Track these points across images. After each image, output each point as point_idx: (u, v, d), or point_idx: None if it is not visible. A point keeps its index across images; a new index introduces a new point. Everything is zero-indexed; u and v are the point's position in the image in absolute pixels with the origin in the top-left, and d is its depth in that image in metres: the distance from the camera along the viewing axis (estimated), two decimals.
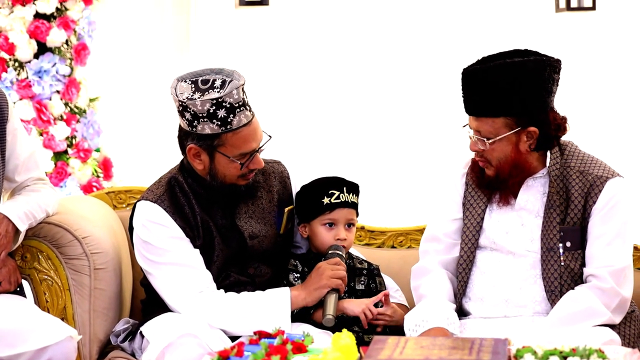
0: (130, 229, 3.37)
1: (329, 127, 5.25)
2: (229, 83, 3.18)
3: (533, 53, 3.17)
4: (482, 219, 3.29)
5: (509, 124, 3.14)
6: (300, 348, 2.66)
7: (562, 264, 3.19)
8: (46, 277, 3.39)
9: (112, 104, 5.27)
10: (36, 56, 4.95)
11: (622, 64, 5.09)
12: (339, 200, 3.39)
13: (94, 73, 5.19)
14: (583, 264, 3.20)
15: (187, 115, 3.21)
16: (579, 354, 2.54)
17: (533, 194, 3.25)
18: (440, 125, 5.06)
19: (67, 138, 5.03)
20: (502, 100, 3.11)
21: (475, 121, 3.18)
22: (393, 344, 2.58)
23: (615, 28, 5.08)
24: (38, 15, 4.95)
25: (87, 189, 5.02)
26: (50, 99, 4.99)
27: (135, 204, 3.37)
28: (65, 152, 5.04)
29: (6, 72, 4.94)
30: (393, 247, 3.83)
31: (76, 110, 5.07)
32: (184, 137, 3.29)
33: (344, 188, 3.41)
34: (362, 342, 3.14)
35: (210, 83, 3.19)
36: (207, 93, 3.17)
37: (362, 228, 3.84)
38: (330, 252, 3.36)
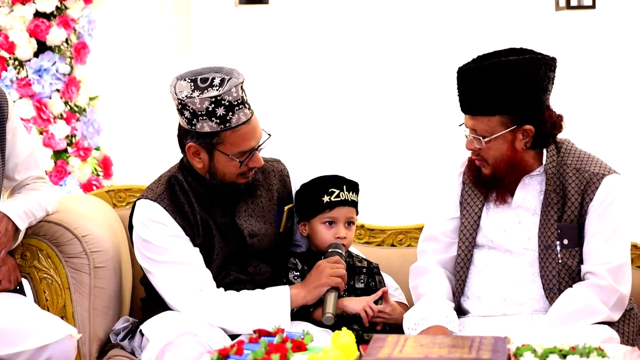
0: (130, 228, 3.37)
1: (329, 126, 5.26)
2: (227, 81, 3.18)
3: (528, 51, 3.17)
4: (479, 217, 3.30)
5: (505, 123, 3.15)
6: (300, 346, 2.66)
7: (560, 261, 3.19)
8: (46, 275, 3.39)
9: (112, 102, 5.28)
10: (36, 55, 4.95)
11: (622, 62, 5.09)
12: (339, 199, 3.39)
13: (93, 72, 5.19)
14: (581, 261, 3.21)
15: (186, 113, 3.21)
16: (578, 352, 2.54)
17: (530, 192, 3.25)
18: (442, 123, 5.06)
19: (67, 137, 5.03)
20: (497, 99, 3.12)
21: (471, 120, 3.19)
22: (393, 343, 2.58)
23: (615, 26, 5.08)
24: (38, 14, 4.95)
25: (86, 187, 5.02)
26: (50, 98, 4.98)
27: (135, 202, 3.37)
28: (65, 150, 5.04)
29: (6, 70, 4.93)
30: (393, 245, 3.83)
31: (76, 109, 5.07)
32: (183, 135, 3.29)
33: (344, 186, 3.41)
34: (361, 341, 3.14)
35: (209, 81, 3.19)
36: (206, 91, 3.17)
37: (362, 226, 3.84)
38: (330, 250, 3.36)
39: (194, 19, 5.32)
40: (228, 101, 3.18)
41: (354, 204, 3.43)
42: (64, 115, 5.02)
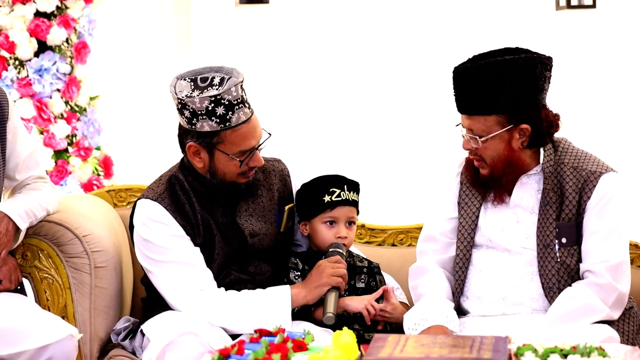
0: (131, 227, 3.37)
1: (329, 125, 5.25)
2: (227, 80, 3.18)
3: (524, 51, 3.17)
4: (477, 217, 3.30)
5: (501, 122, 3.15)
6: (300, 346, 2.66)
7: (559, 260, 3.19)
8: (47, 275, 3.39)
9: (112, 102, 5.27)
10: (36, 54, 4.95)
11: (622, 61, 5.09)
12: (340, 198, 3.39)
13: (94, 71, 5.19)
14: (579, 260, 3.21)
15: (186, 112, 3.21)
16: (579, 351, 2.54)
17: (527, 191, 3.25)
18: (443, 122, 5.05)
19: (67, 136, 5.03)
20: (493, 98, 3.12)
21: (467, 119, 3.19)
22: (394, 342, 2.58)
23: (616, 26, 5.08)
24: (38, 14, 4.95)
25: (87, 187, 5.02)
26: (51, 98, 4.98)
27: (135, 202, 3.37)
28: (66, 150, 5.04)
29: (6, 70, 4.93)
30: (393, 245, 3.84)
31: (76, 109, 5.06)
32: (183, 135, 3.29)
33: (345, 186, 3.41)
34: (362, 340, 3.13)
35: (209, 81, 3.19)
36: (205, 90, 3.17)
37: (363, 226, 3.84)
38: (330, 250, 3.36)
39: (194, 19, 5.32)
40: (228, 100, 3.18)
41: (354, 204, 3.43)
42: (65, 115, 5.02)
